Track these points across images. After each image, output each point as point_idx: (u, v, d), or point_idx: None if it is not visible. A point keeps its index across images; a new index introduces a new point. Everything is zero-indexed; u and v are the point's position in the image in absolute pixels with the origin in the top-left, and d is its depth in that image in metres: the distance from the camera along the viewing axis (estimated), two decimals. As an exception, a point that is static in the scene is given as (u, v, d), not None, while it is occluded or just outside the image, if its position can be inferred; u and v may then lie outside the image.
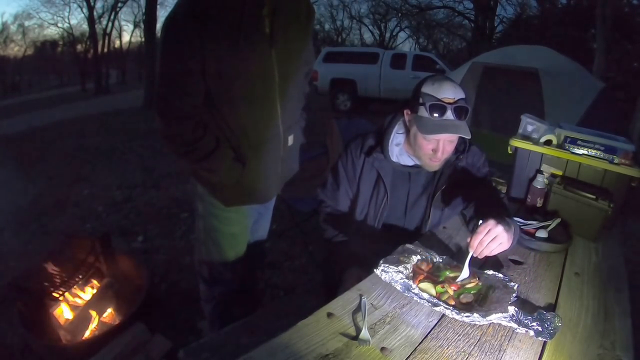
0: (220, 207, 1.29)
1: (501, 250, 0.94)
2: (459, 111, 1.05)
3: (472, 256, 0.94)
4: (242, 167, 1.19)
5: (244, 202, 1.29)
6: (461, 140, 1.21)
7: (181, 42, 1.03)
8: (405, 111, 1.17)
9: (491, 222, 0.92)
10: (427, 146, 1.11)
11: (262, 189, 1.30)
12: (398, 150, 1.23)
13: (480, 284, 0.91)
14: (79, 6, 21.21)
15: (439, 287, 0.88)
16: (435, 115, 1.05)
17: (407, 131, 1.19)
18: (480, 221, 0.96)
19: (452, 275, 0.92)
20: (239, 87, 1.09)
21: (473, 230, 0.97)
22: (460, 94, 1.07)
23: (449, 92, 1.06)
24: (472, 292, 0.87)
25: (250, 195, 1.28)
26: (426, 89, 1.08)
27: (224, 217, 1.31)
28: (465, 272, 0.93)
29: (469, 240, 0.95)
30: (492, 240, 0.92)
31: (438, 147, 1.10)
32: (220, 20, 1.02)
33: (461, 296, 0.86)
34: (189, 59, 1.03)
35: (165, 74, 1.08)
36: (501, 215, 0.96)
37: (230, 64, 1.05)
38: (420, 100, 1.08)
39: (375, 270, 0.91)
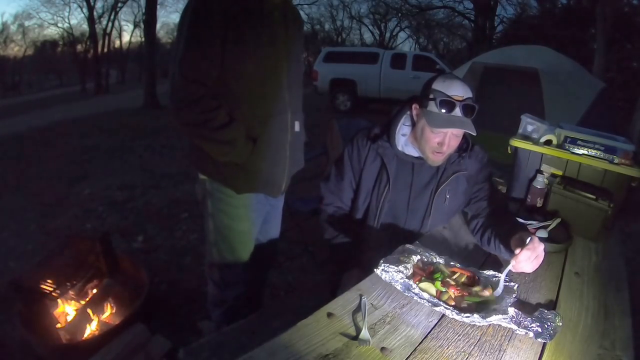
0: (229, 203, 1.30)
1: (537, 267, 0.94)
2: (467, 109, 1.09)
3: (509, 270, 0.93)
4: (253, 144, 1.22)
5: (254, 188, 1.30)
6: (464, 139, 1.23)
7: (207, 13, 1.10)
8: (413, 106, 1.21)
9: (537, 241, 0.92)
10: (434, 139, 1.14)
11: (272, 174, 1.31)
12: (404, 140, 1.25)
13: (489, 294, 0.89)
14: (79, 6, 21.17)
15: (438, 284, 0.88)
16: (444, 110, 1.10)
17: (414, 125, 1.22)
18: (528, 239, 0.94)
19: (451, 278, 0.92)
20: (251, 61, 1.16)
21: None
22: (469, 93, 1.12)
23: (459, 90, 1.11)
24: (476, 301, 0.87)
25: (260, 180, 1.29)
26: (437, 85, 1.13)
27: (233, 214, 1.32)
28: (501, 287, 0.90)
29: (516, 253, 0.93)
30: (535, 258, 0.92)
31: (444, 140, 1.13)
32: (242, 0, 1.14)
33: (463, 303, 0.86)
34: (213, 30, 1.11)
35: (190, 42, 1.12)
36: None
37: (246, 39, 1.14)
38: (431, 96, 1.12)
39: (375, 270, 0.91)
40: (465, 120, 1.10)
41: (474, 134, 1.11)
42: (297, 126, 1.34)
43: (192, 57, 1.12)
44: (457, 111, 1.09)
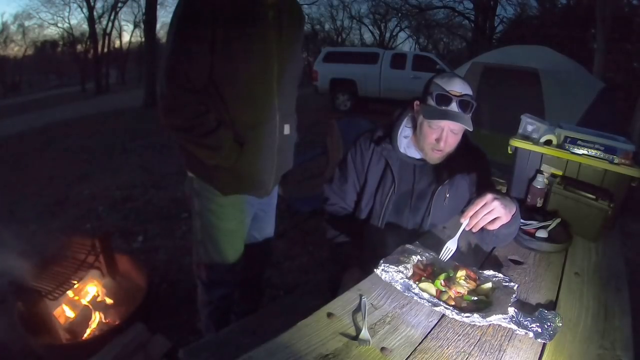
0: (217, 202, 1.29)
1: (499, 225, 0.94)
2: (464, 104, 1.10)
3: (464, 229, 0.95)
4: (241, 148, 1.21)
5: (240, 190, 1.30)
6: (464, 139, 1.24)
7: (195, 17, 1.08)
8: (415, 102, 1.22)
9: (488, 196, 0.93)
10: (431, 135, 1.15)
11: (259, 177, 1.30)
12: (406, 143, 1.26)
13: (488, 286, 0.90)
14: (79, 6, 21.17)
15: (438, 283, 0.88)
16: (441, 104, 1.11)
17: (415, 123, 1.23)
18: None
19: (452, 277, 0.92)
20: (241, 66, 1.15)
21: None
22: (468, 91, 1.13)
23: (457, 87, 1.12)
24: (473, 298, 0.87)
25: (247, 182, 1.29)
26: (437, 80, 1.15)
27: (220, 212, 1.31)
28: (453, 245, 0.95)
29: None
30: (487, 213, 0.92)
31: (441, 136, 1.14)
32: (233, 1, 1.10)
33: (462, 303, 0.86)
34: (201, 33, 1.09)
35: (177, 46, 1.11)
36: (499, 193, 0.97)
37: (237, 43, 1.12)
38: (429, 90, 1.14)
39: (375, 270, 0.91)
40: (461, 115, 1.10)
41: (470, 129, 1.12)
42: (286, 129, 1.32)
43: (179, 63, 1.10)
44: (454, 106, 1.10)
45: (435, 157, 1.20)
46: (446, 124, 1.12)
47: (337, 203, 1.37)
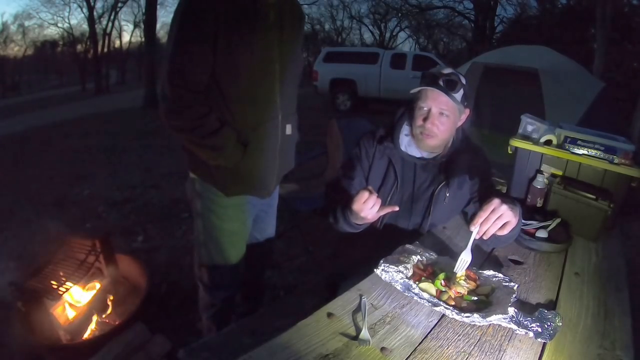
0: (219, 203, 1.29)
1: (509, 229, 0.92)
2: (450, 82, 1.15)
3: (475, 238, 0.93)
4: (244, 148, 1.21)
5: (243, 191, 1.29)
6: (465, 139, 1.25)
7: (196, 17, 1.08)
8: None
9: (495, 201, 0.91)
10: (419, 117, 1.19)
11: (261, 178, 1.30)
12: (407, 141, 1.28)
13: (489, 287, 0.90)
14: (79, 6, 21.14)
15: (438, 283, 0.88)
16: (428, 81, 1.17)
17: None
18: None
19: (452, 277, 0.92)
20: (243, 66, 1.14)
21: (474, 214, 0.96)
22: (457, 74, 1.17)
23: (447, 70, 1.17)
24: (473, 298, 0.87)
25: (250, 184, 1.29)
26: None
27: (222, 214, 1.31)
28: (468, 256, 0.92)
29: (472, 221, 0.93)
30: (497, 219, 0.91)
31: (428, 116, 1.17)
32: (234, 2, 1.10)
33: (462, 303, 0.86)
34: (203, 34, 1.08)
35: (179, 47, 1.10)
36: (503, 195, 0.97)
37: (239, 42, 1.12)
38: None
39: (375, 270, 0.91)
40: (446, 91, 1.14)
41: (456, 105, 1.16)
42: (288, 129, 1.32)
43: (181, 63, 1.10)
44: (440, 83, 1.15)
45: (427, 144, 1.21)
46: (432, 103, 1.16)
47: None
